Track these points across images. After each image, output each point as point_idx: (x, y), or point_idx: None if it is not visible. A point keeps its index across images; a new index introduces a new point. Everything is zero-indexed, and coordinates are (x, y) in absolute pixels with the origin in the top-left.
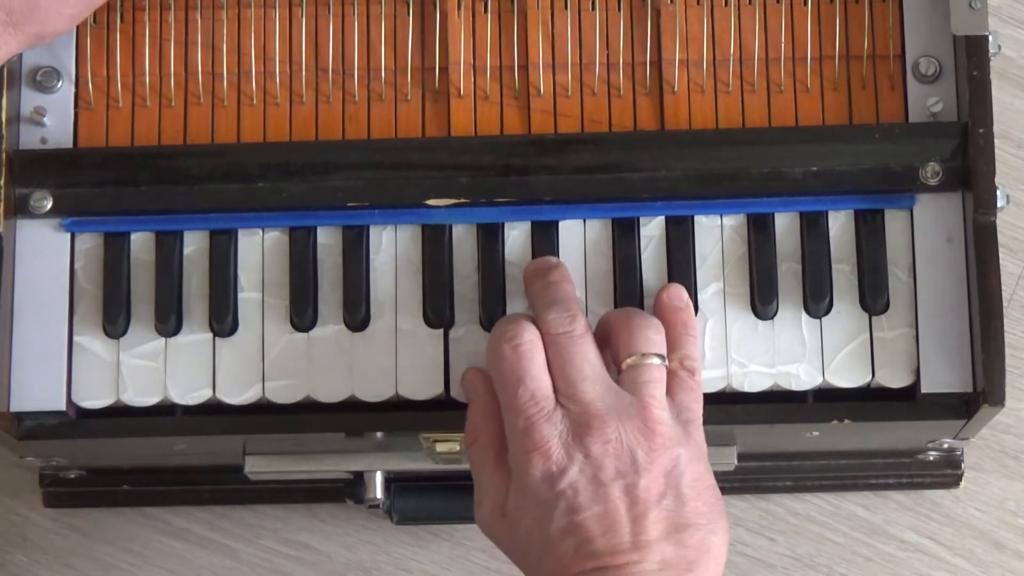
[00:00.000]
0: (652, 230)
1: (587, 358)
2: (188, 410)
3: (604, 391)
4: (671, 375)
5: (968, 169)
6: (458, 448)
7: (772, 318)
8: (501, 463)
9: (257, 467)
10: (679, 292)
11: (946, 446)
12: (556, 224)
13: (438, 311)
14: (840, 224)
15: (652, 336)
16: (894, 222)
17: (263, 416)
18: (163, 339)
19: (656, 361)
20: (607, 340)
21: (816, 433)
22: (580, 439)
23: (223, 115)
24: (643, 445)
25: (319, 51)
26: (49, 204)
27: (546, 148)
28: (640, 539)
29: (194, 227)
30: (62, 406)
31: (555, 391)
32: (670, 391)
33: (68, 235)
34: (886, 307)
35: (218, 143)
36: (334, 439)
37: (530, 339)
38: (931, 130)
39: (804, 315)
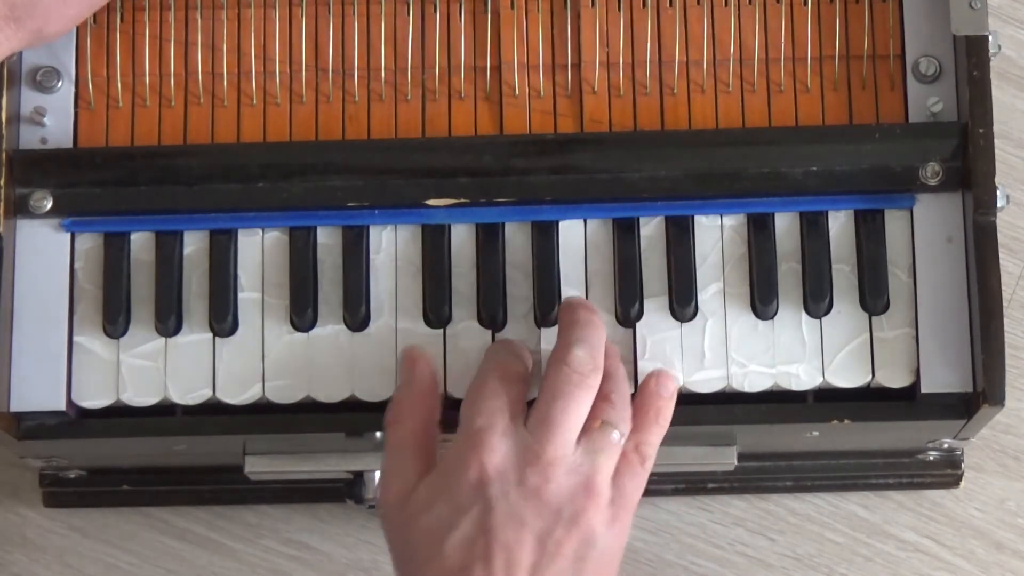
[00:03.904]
0: (652, 230)
1: (579, 409)
2: (188, 410)
3: (569, 441)
4: (623, 456)
5: (968, 169)
6: None
7: (772, 318)
8: (420, 453)
9: (257, 467)
10: (668, 382)
11: (946, 446)
12: (556, 224)
13: (438, 311)
14: (840, 224)
15: (621, 413)
16: (894, 222)
17: (263, 416)
18: (163, 339)
19: (615, 435)
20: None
21: (816, 433)
22: (524, 465)
23: (223, 115)
24: (575, 504)
25: (319, 51)
26: (49, 204)
27: (546, 148)
28: None
29: (194, 227)
30: (62, 406)
31: (530, 410)
32: (618, 471)
33: (68, 235)
34: (886, 307)
35: (218, 143)
36: (334, 439)
37: (529, 373)
38: (931, 130)
39: (804, 315)
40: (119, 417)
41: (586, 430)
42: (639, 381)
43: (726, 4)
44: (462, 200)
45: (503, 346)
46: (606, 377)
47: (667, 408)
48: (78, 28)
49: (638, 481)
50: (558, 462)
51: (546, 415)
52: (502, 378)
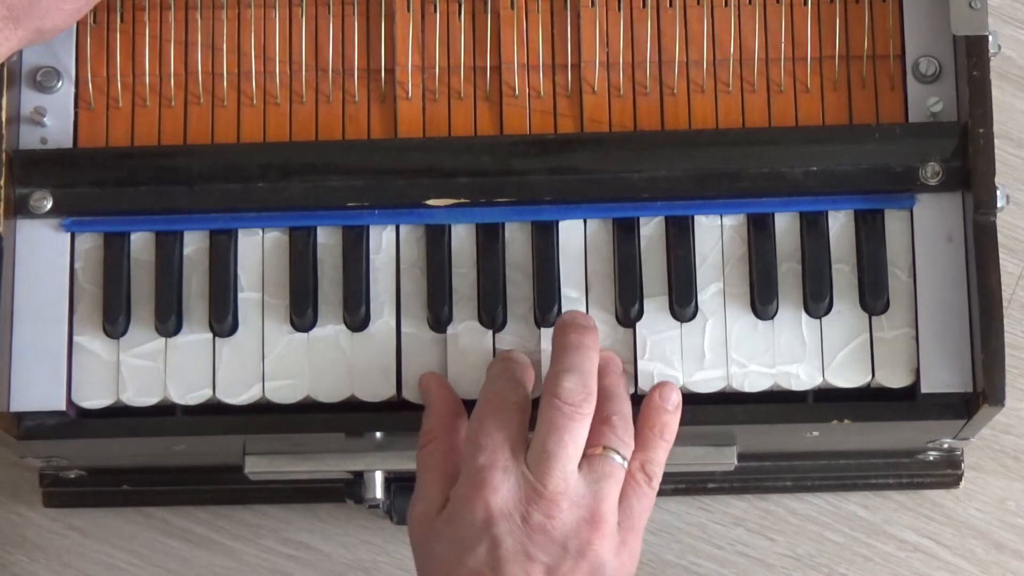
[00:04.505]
0: (652, 230)
1: (575, 439)
2: (188, 410)
3: (570, 473)
4: (629, 476)
5: (968, 169)
6: None
7: (772, 318)
8: (448, 474)
9: (257, 467)
10: (671, 394)
11: (946, 446)
12: (556, 224)
13: (438, 311)
14: (840, 224)
15: (623, 436)
16: (894, 222)
17: (263, 416)
18: (163, 339)
19: (618, 460)
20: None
21: (816, 433)
22: (527, 502)
23: (223, 115)
24: (581, 538)
25: (319, 51)
26: (49, 204)
27: (546, 148)
28: None
29: (194, 227)
30: (62, 406)
31: (527, 448)
32: (624, 494)
33: (68, 235)
34: (886, 307)
35: (218, 143)
36: (334, 439)
37: (528, 401)
38: (931, 130)
39: (804, 315)
40: (119, 417)
41: (587, 456)
42: (639, 381)
43: (726, 4)
44: (462, 200)
45: (501, 372)
46: (605, 397)
47: (672, 422)
48: (78, 28)
49: (646, 501)
50: (560, 497)
51: (543, 450)
52: (501, 410)
